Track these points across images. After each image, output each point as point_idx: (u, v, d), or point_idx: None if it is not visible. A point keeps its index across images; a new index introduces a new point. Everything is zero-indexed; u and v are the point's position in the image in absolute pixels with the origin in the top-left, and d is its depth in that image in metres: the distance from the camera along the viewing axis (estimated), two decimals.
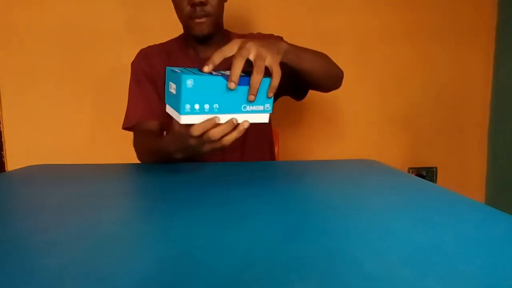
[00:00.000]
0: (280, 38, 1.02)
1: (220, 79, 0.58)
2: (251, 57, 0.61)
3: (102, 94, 1.51)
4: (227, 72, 0.60)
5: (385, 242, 0.40)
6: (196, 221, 0.47)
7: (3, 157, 1.52)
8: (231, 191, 0.61)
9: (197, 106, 0.58)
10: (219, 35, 0.99)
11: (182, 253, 0.38)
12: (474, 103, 1.72)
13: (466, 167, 1.75)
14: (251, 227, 0.45)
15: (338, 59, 0.89)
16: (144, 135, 0.95)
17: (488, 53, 1.69)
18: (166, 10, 1.43)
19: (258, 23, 1.55)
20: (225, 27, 1.04)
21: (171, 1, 0.94)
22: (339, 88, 0.92)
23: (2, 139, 1.51)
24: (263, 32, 1.08)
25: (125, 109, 1.02)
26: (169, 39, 1.07)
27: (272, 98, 0.63)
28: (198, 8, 0.88)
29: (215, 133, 0.59)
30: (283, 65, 0.65)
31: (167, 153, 0.72)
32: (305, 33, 1.55)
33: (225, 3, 0.97)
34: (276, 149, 1.21)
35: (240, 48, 0.61)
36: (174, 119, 0.62)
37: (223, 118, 0.60)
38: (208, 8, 0.89)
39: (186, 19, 0.92)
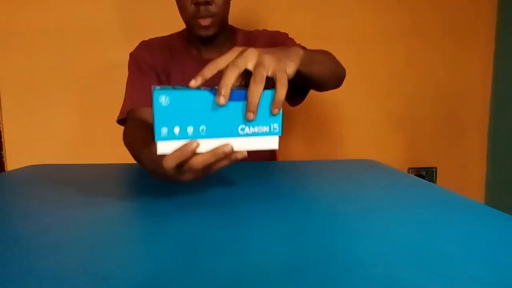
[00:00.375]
0: (285, 35, 0.99)
1: (206, 93, 0.45)
2: (250, 67, 0.48)
3: (102, 94, 1.51)
4: None
5: (385, 242, 0.40)
6: (196, 221, 0.47)
7: (3, 157, 1.52)
8: (231, 191, 0.61)
9: (176, 130, 0.45)
10: (224, 34, 0.95)
11: (182, 253, 0.38)
12: (474, 103, 1.72)
13: (466, 167, 1.76)
14: (251, 227, 0.45)
15: (339, 59, 0.89)
16: (136, 125, 0.81)
17: (488, 53, 1.69)
18: (167, 10, 1.44)
19: (258, 23, 1.55)
20: None
21: (172, 1, 0.92)
22: (340, 88, 0.92)
23: (2, 139, 1.51)
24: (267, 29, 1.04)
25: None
26: None
27: (281, 115, 0.48)
28: (202, 8, 0.84)
29: (196, 162, 0.46)
30: (296, 74, 0.54)
31: (144, 168, 0.60)
32: (305, 33, 1.55)
33: (230, 1, 0.92)
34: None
35: (237, 57, 0.49)
36: None
37: (213, 144, 0.47)
38: (213, 8, 0.85)
39: (189, 19, 0.87)
